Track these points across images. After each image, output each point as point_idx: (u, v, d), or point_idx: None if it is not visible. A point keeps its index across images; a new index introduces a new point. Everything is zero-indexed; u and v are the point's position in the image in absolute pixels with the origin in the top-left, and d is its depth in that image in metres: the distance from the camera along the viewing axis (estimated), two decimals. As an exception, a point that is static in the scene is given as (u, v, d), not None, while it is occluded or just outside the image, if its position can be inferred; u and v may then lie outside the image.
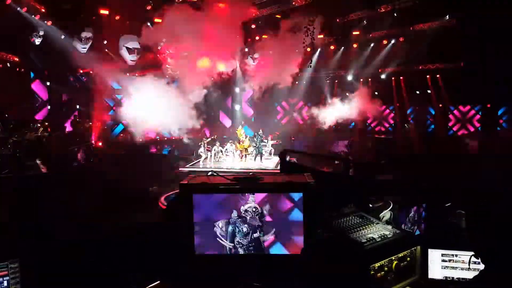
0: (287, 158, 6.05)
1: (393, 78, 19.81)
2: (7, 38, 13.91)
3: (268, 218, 2.98)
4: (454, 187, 4.95)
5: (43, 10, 14.55)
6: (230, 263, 3.02)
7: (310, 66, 15.70)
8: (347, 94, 19.15)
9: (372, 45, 18.30)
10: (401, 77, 19.82)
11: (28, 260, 2.85)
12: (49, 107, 17.07)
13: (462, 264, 2.90)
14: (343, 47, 18.65)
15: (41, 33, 14.81)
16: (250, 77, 17.92)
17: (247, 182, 3.07)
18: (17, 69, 15.84)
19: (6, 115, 14.59)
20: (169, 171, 13.60)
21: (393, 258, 2.58)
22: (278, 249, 2.99)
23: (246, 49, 17.55)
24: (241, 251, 3.00)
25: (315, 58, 18.01)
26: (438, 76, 18.99)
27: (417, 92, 20.12)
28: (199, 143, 15.30)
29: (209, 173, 3.31)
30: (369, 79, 20.06)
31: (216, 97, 18.76)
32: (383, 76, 19.80)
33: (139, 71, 16.67)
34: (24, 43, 14.95)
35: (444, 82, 18.80)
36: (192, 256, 2.96)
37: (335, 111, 18.65)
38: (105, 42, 16.77)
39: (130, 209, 7.69)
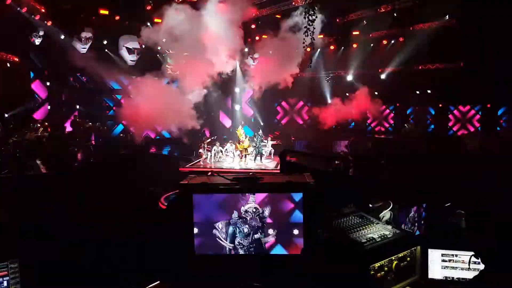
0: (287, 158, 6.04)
1: (393, 78, 19.84)
2: (7, 38, 13.86)
3: (268, 219, 2.98)
4: (454, 187, 4.95)
5: (43, 10, 14.56)
6: (230, 263, 3.02)
7: (310, 66, 15.67)
8: (347, 94, 19.15)
9: (372, 45, 18.28)
10: (401, 77, 19.83)
11: (28, 260, 2.84)
12: (49, 107, 17.03)
13: (462, 264, 2.90)
14: (343, 47, 18.64)
15: (41, 33, 14.84)
16: (250, 77, 17.91)
17: (247, 182, 3.07)
18: (17, 69, 15.83)
19: (6, 115, 14.59)
20: (169, 171, 13.57)
21: (393, 258, 2.58)
22: (278, 250, 2.99)
23: (246, 49, 17.55)
24: (241, 252, 3.00)
25: (315, 58, 18.00)
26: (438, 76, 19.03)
27: (417, 92, 20.12)
28: (199, 143, 15.28)
29: (209, 173, 3.31)
30: (369, 79, 20.07)
31: (216, 97, 18.74)
32: (383, 76, 19.79)
33: (139, 71, 16.65)
34: (24, 43, 14.95)
35: (444, 82, 18.80)
36: (192, 256, 2.96)
37: (335, 111, 18.64)
38: (105, 42, 16.79)
39: (130, 209, 7.68)
